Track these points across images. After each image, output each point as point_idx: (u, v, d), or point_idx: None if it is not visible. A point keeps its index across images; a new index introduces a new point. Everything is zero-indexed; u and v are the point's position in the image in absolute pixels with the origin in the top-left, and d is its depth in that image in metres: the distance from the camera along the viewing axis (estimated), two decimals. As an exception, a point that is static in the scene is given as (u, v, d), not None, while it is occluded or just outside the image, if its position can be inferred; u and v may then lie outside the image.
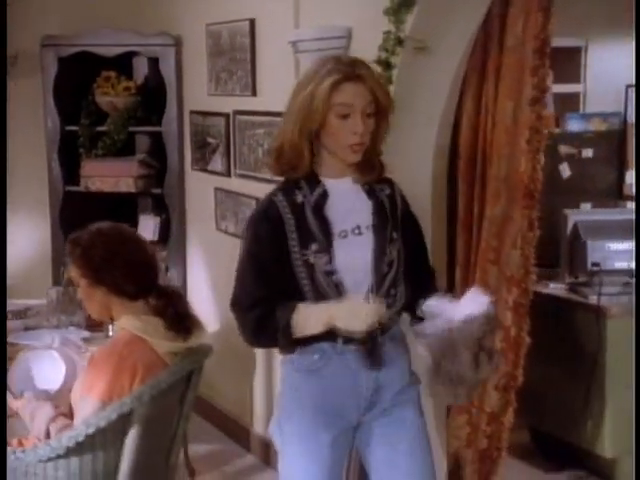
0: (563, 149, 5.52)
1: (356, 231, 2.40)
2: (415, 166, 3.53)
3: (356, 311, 2.26)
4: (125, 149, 5.20)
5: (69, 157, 5.14)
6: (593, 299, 3.93)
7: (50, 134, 5.12)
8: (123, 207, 5.23)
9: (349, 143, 2.35)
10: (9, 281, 5.10)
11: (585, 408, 3.95)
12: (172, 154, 5.04)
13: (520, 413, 4.23)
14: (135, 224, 5.23)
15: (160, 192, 5.14)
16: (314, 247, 2.34)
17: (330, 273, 2.34)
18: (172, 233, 5.12)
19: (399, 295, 2.47)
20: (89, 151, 5.11)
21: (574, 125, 5.62)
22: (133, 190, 5.06)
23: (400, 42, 3.31)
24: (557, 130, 5.59)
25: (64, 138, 5.12)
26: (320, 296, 2.34)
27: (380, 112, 2.38)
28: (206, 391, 4.87)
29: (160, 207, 5.23)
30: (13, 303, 3.72)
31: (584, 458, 4.17)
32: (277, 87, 4.12)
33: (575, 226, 4.07)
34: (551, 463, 4.31)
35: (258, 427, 4.44)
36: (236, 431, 4.61)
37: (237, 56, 4.36)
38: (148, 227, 5.23)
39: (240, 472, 4.34)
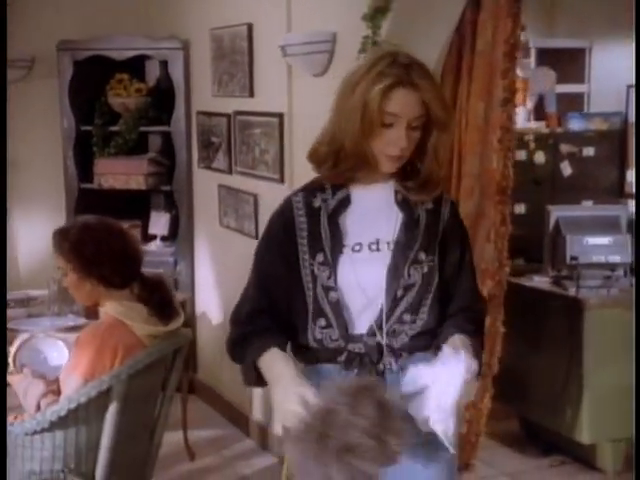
0: (564, 148, 5.65)
1: (373, 246, 2.13)
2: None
3: (282, 404, 1.96)
4: (138, 148, 5.43)
5: (84, 156, 5.38)
6: (573, 291, 4.10)
7: (66, 134, 5.36)
8: (136, 204, 5.48)
9: (387, 153, 2.08)
10: (28, 273, 5.40)
11: (564, 396, 4.11)
12: (180, 152, 5.28)
13: (509, 402, 4.42)
14: (147, 220, 5.49)
15: (170, 189, 5.37)
16: (320, 258, 2.12)
17: (329, 289, 2.11)
18: (181, 228, 5.35)
19: (418, 323, 2.15)
20: (102, 150, 5.34)
21: (575, 124, 5.75)
22: (143, 187, 5.29)
23: (376, 45, 3.50)
24: (559, 129, 5.74)
25: (79, 137, 5.36)
26: (319, 311, 2.12)
27: (436, 124, 2.08)
28: (210, 380, 5.13)
29: (171, 203, 5.46)
30: (16, 293, 4.00)
31: (568, 445, 4.32)
32: (272, 89, 4.34)
33: (557, 222, 4.23)
34: (539, 450, 4.47)
35: (257, 414, 4.65)
36: (236, 417, 4.83)
37: (237, 59, 4.57)
38: (159, 223, 5.46)
39: (239, 455, 4.55)
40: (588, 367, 4.03)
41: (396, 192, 2.18)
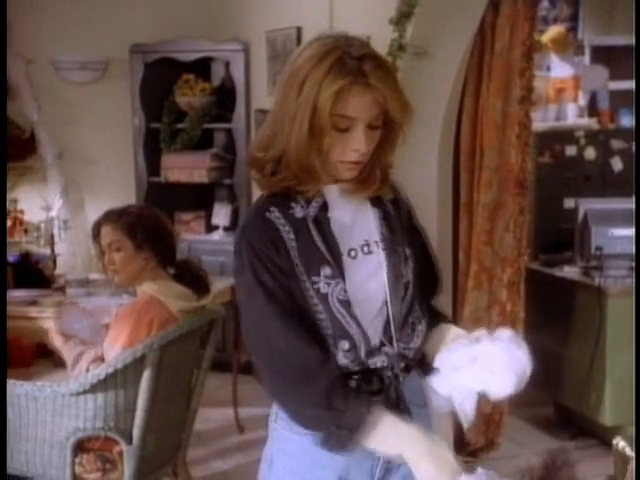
0: (615, 144, 5.79)
1: (365, 249, 1.90)
2: (421, 157, 3.98)
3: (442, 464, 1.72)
4: (203, 143, 5.81)
5: (152, 151, 5.79)
6: (598, 281, 4.27)
7: (136, 131, 5.79)
8: (200, 196, 5.86)
9: (344, 160, 1.83)
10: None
11: (589, 380, 4.30)
12: (240, 148, 5.63)
13: (543, 388, 4.62)
14: (210, 211, 5.86)
15: (231, 182, 5.73)
16: (327, 272, 1.83)
17: (347, 303, 1.84)
18: (241, 219, 5.68)
19: (420, 327, 1.96)
20: (169, 146, 5.74)
21: (627, 120, 5.89)
22: (206, 181, 5.67)
23: (401, 48, 3.77)
24: (611, 125, 5.88)
25: (148, 134, 5.78)
26: (342, 333, 1.84)
27: (392, 122, 1.84)
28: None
29: (232, 196, 5.82)
30: (77, 274, 4.44)
31: (596, 429, 4.50)
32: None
33: (585, 214, 4.40)
34: (568, 433, 4.66)
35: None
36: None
37: (288, 60, 4.87)
38: (221, 214, 5.82)
39: (284, 431, 4.87)
40: (611, 353, 4.21)
41: None
